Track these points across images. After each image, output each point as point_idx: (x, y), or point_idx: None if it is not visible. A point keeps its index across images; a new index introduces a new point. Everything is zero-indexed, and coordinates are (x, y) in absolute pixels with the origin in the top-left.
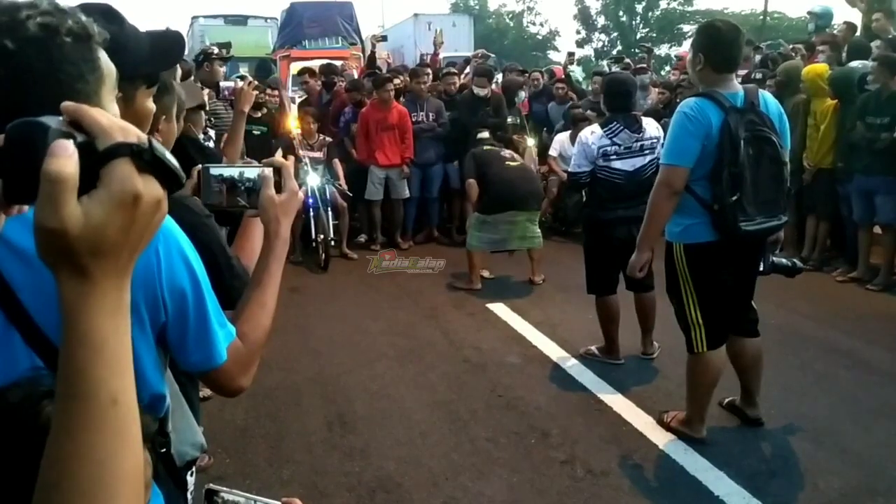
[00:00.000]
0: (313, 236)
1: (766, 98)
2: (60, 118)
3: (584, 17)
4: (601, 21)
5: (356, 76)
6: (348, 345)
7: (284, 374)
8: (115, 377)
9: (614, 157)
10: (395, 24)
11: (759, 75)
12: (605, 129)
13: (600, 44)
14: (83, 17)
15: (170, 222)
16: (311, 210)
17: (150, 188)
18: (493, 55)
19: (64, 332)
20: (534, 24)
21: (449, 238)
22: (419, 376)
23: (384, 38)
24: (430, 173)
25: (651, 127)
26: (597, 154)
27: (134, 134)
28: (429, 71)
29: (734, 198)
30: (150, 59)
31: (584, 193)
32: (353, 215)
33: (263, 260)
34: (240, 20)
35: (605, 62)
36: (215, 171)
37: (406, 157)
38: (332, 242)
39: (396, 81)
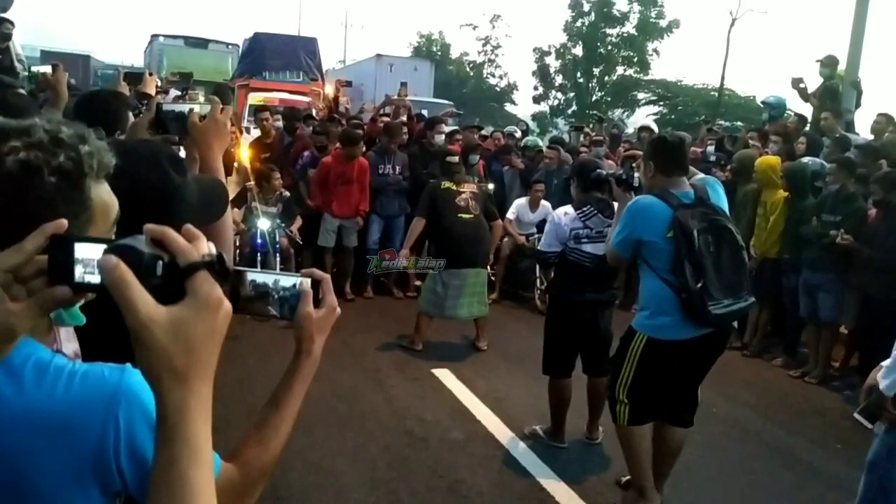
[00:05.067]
0: None
1: (715, 190)
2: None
3: (542, 74)
4: (559, 80)
5: (315, 114)
6: None
7: (218, 435)
8: (210, 483)
9: (586, 240)
10: (356, 61)
11: (713, 158)
12: (579, 212)
13: (556, 102)
14: (85, 149)
15: (136, 379)
16: (258, 253)
17: (223, 293)
18: (461, 112)
19: (166, 438)
20: (493, 75)
21: (403, 289)
22: (359, 448)
23: (349, 84)
24: (394, 225)
25: None
26: (568, 235)
27: (205, 247)
28: (405, 130)
29: (699, 284)
30: (200, 211)
31: (538, 271)
32: (299, 262)
33: (288, 379)
34: (200, 43)
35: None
36: (249, 276)
37: (361, 209)
38: None
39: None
